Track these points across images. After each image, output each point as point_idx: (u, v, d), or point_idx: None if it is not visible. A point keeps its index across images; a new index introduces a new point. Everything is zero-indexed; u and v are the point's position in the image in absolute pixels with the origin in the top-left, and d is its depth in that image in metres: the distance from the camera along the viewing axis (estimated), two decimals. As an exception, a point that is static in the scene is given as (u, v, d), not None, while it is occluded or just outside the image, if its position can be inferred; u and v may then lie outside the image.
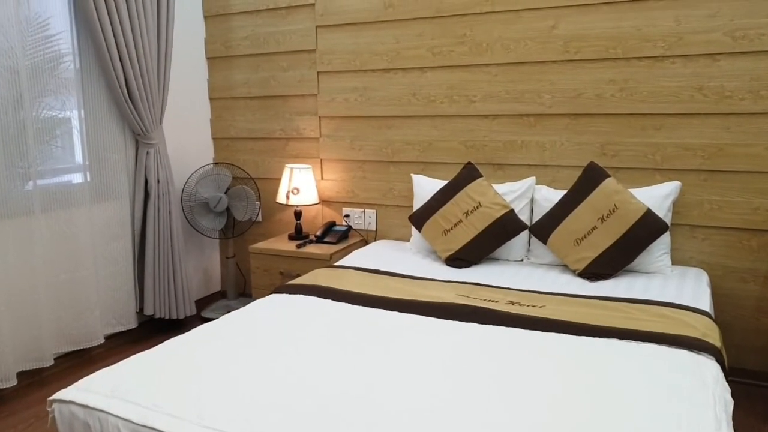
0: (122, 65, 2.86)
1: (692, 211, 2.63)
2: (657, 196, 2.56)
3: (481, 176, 2.78)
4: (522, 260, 2.80)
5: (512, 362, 1.68)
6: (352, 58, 3.21)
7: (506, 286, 2.37)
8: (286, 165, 3.28)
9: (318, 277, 2.50)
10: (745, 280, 2.59)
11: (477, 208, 2.72)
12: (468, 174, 2.81)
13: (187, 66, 3.51)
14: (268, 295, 2.39)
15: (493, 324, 2.00)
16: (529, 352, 1.76)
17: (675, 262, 2.68)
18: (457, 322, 2.03)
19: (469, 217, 2.72)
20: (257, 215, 3.57)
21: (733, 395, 1.62)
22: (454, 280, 2.48)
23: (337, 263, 2.78)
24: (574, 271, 2.54)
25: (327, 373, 1.61)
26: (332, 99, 3.31)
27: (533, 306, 2.13)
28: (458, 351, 1.77)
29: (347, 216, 3.39)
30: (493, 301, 2.20)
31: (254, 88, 3.52)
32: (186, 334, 1.90)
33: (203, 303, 3.69)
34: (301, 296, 2.31)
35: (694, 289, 2.32)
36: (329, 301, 2.25)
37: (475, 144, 3.01)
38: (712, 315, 2.14)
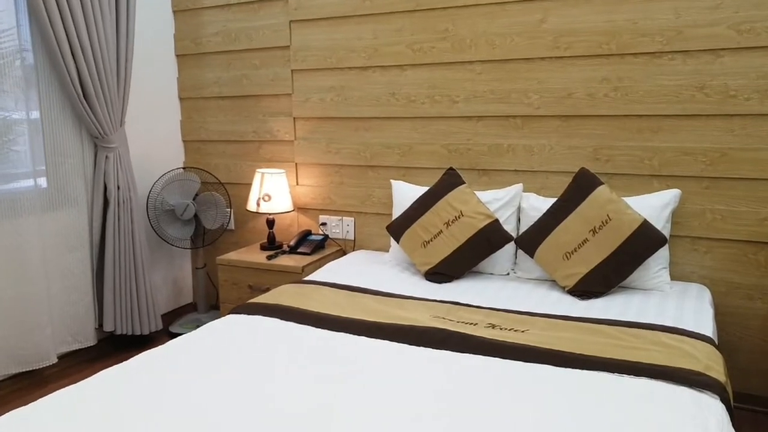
0: (75, 61, 2.64)
1: (693, 222, 2.41)
2: (654, 206, 2.33)
3: (463, 183, 2.56)
4: (508, 274, 2.58)
5: (484, 399, 1.46)
6: (328, 54, 2.99)
7: (487, 306, 2.15)
8: (257, 170, 3.06)
9: (282, 295, 2.28)
10: (751, 298, 2.36)
11: (458, 217, 2.50)
12: (449, 181, 2.58)
13: (155, 64, 3.29)
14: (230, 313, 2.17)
15: (469, 352, 1.77)
16: (504, 387, 1.53)
17: (675, 277, 2.45)
18: (430, 349, 1.81)
19: (450, 228, 2.50)
20: (228, 223, 3.35)
21: (737, 423, 1.39)
22: (431, 297, 2.26)
23: (307, 278, 2.56)
24: (563, 288, 2.32)
25: (273, 412, 1.39)
26: (307, 99, 3.09)
27: (515, 330, 1.91)
28: (426, 385, 1.54)
29: (324, 224, 3.17)
30: (471, 324, 1.98)
31: (225, 87, 3.30)
32: (115, 367, 1.67)
33: (173, 316, 3.47)
34: (261, 317, 2.09)
35: (695, 309, 2.10)
36: (291, 324, 2.03)
37: (458, 148, 2.79)
38: (716, 340, 1.92)
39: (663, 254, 2.32)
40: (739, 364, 2.41)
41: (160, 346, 1.83)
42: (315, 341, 1.87)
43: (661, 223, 2.31)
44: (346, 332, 1.95)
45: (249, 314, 2.12)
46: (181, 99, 3.45)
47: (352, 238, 3.11)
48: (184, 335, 1.93)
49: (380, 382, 1.57)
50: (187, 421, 1.37)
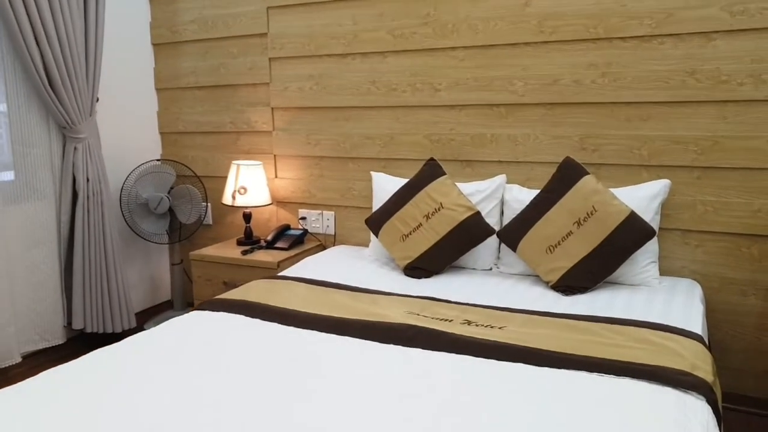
0: (39, 48, 2.53)
1: (684, 214, 2.29)
2: (643, 197, 2.22)
3: (443, 174, 2.44)
4: (491, 269, 2.47)
5: (450, 400, 1.34)
6: (307, 42, 2.87)
7: (465, 302, 2.03)
8: (233, 162, 2.94)
9: (251, 290, 2.17)
10: (744, 294, 2.25)
11: (438, 210, 2.38)
12: (429, 171, 2.47)
13: (131, 53, 3.18)
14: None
15: (440, 350, 1.66)
16: (473, 387, 1.42)
17: (664, 272, 2.34)
18: (398, 347, 1.70)
19: (429, 221, 2.39)
20: (204, 217, 3.23)
21: (729, 425, 1.28)
22: (408, 293, 2.15)
23: (282, 273, 2.45)
24: (547, 283, 2.20)
25: (226, 414, 1.28)
26: (285, 88, 2.98)
27: (492, 327, 1.80)
28: (389, 384, 1.43)
29: (303, 218, 3.05)
30: (446, 320, 1.86)
31: (202, 77, 3.19)
32: (59, 367, 1.56)
33: (150, 314, 3.35)
34: (226, 314, 1.98)
35: (684, 305, 1.98)
36: (257, 321, 1.92)
37: (440, 138, 2.68)
38: (705, 338, 1.81)
39: (652, 248, 2.21)
40: (732, 364, 2.30)
41: (109, 346, 1.72)
42: (278, 339, 1.76)
43: (649, 215, 2.20)
44: (312, 329, 1.84)
45: (213, 311, 2.01)
46: (157, 90, 3.34)
47: (333, 233, 3.00)
48: (139, 333, 1.81)
49: (341, 380, 1.46)
50: (126, 427, 1.26)
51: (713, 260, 2.27)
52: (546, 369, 1.53)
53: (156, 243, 3.16)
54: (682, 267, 2.32)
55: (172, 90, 3.30)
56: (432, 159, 2.48)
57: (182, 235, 3.22)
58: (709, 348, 2.16)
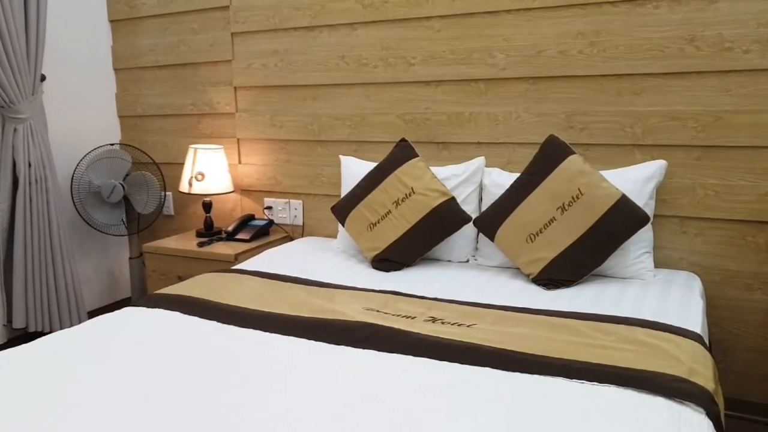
0: (-31, 17, 2.29)
1: (682, 199, 2.05)
2: (636, 179, 1.98)
3: (416, 156, 2.20)
4: (467, 261, 2.23)
5: (400, 411, 1.11)
6: (271, 14, 2.63)
7: (433, 297, 1.79)
8: (190, 146, 2.70)
9: (197, 285, 1.93)
10: (749, 288, 2.01)
11: (409, 195, 2.14)
12: (400, 153, 2.23)
13: (85, 30, 2.94)
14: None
15: (398, 352, 1.43)
16: (428, 395, 1.18)
17: (659, 264, 2.10)
18: (350, 348, 1.46)
19: (399, 208, 2.15)
20: (162, 206, 2.99)
21: None
22: (372, 288, 1.91)
23: (238, 266, 2.21)
24: (527, 276, 1.97)
25: (136, 423, 1.04)
26: (249, 65, 2.74)
27: (460, 325, 1.56)
28: (332, 392, 1.20)
29: (269, 208, 2.81)
30: (409, 317, 1.63)
31: (162, 55, 2.95)
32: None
33: (108, 311, 3.11)
34: (162, 311, 1.75)
35: (682, 301, 1.75)
36: (194, 319, 1.69)
37: (415, 118, 2.44)
38: (706, 338, 1.57)
39: (645, 236, 1.97)
40: (735, 366, 2.06)
41: (26, 344, 1.49)
42: (213, 339, 1.52)
43: (643, 199, 1.96)
44: (254, 328, 1.61)
45: (149, 307, 1.78)
46: (116, 70, 3.10)
47: (301, 224, 2.76)
48: (57, 332, 1.58)
49: (274, 389, 1.23)
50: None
51: (714, 251, 2.03)
52: (517, 375, 1.30)
53: (111, 234, 2.92)
54: (680, 258, 2.08)
55: (131, 70, 3.05)
56: (403, 139, 2.24)
57: (140, 226, 2.98)
58: (710, 349, 1.93)
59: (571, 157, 1.94)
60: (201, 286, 1.92)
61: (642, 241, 1.96)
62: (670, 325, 1.52)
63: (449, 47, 2.32)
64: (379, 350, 1.45)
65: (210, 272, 2.09)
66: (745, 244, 1.99)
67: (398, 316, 1.64)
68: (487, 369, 1.33)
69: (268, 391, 1.22)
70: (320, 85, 2.59)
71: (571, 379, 1.26)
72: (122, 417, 1.12)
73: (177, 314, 1.72)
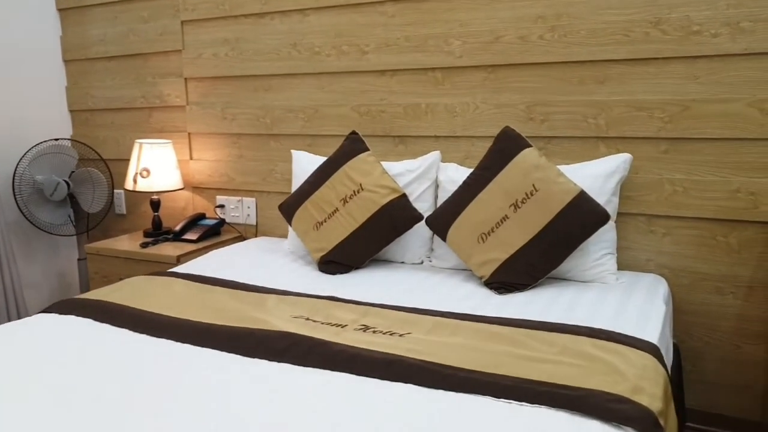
0: None
1: (648, 196, 1.90)
2: (597, 175, 1.83)
3: (366, 150, 2.05)
4: (422, 263, 2.08)
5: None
6: (221, 1, 2.48)
7: (372, 302, 1.64)
8: (136, 140, 2.55)
9: (119, 289, 1.79)
10: (721, 291, 1.86)
11: (357, 192, 1.99)
12: (350, 147, 2.08)
13: (31, 19, 2.79)
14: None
15: (315, 366, 1.28)
16: (340, 418, 1.03)
17: (624, 266, 1.94)
18: (264, 361, 1.31)
19: (347, 206, 2.00)
20: (110, 205, 2.84)
21: None
22: (311, 292, 1.76)
23: (174, 269, 2.06)
24: (480, 279, 1.81)
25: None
26: (199, 55, 2.58)
27: (392, 334, 1.41)
28: (235, 412, 1.05)
29: (221, 206, 2.66)
30: (339, 325, 1.48)
31: (112, 45, 2.79)
32: None
33: (58, 315, 2.96)
34: (74, 318, 1.60)
35: (642, 307, 1.59)
36: (105, 327, 1.54)
37: (369, 110, 2.28)
38: (664, 348, 1.42)
39: (608, 237, 1.82)
40: (705, 376, 1.90)
41: None
42: (119, 349, 1.38)
43: (605, 196, 1.81)
44: (168, 338, 1.46)
45: (62, 313, 1.64)
46: (65, 61, 2.95)
47: (254, 223, 2.61)
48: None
49: (166, 407, 1.08)
50: None
51: (683, 251, 1.88)
52: (440, 392, 1.15)
53: (58, 235, 2.76)
54: (647, 260, 1.93)
55: (81, 61, 2.90)
56: (354, 132, 2.09)
57: (89, 225, 2.83)
58: (680, 359, 1.78)
59: (526, 151, 1.78)
60: (125, 290, 1.77)
61: (604, 241, 1.81)
62: (622, 335, 1.37)
63: (404, 34, 2.17)
64: (295, 364, 1.30)
65: (134, 277, 1.94)
66: (716, 244, 1.84)
67: (327, 324, 1.49)
68: (408, 386, 1.18)
69: (154, 409, 1.07)
70: (272, 75, 2.44)
71: (498, 398, 1.11)
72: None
73: (88, 322, 1.57)
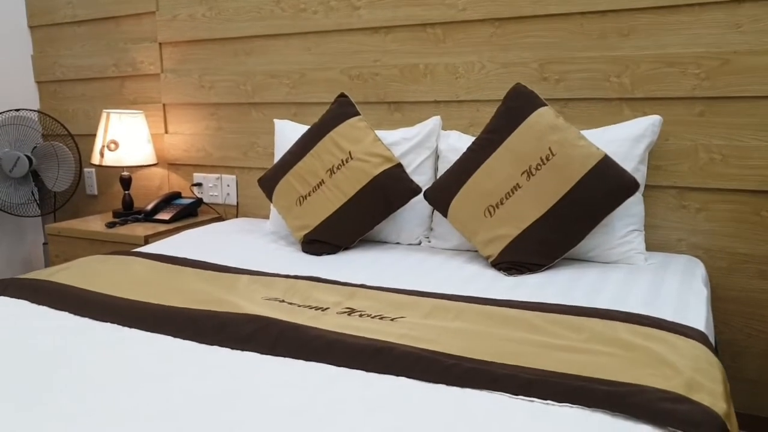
0: None
1: (680, 165, 1.65)
2: (623, 139, 1.58)
3: (356, 114, 1.80)
4: (420, 243, 1.83)
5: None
6: (197, -45, 2.24)
7: (360, 283, 1.39)
8: (103, 110, 2.30)
9: (70, 269, 1.54)
10: (765, 276, 1.61)
11: (346, 162, 1.74)
12: (338, 111, 1.83)
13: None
14: None
15: (282, 354, 1.03)
16: (316, 417, 0.79)
17: (652, 247, 1.70)
18: (224, 349, 1.07)
19: (334, 177, 1.75)
20: (77, 183, 2.58)
21: None
22: (289, 273, 1.51)
23: (138, 249, 1.81)
24: (487, 259, 1.57)
25: None
26: (174, 17, 2.33)
27: (383, 317, 1.17)
28: (189, 411, 0.80)
29: (198, 185, 2.41)
30: (319, 308, 1.23)
31: (80, 8, 2.54)
32: None
33: (23, 305, 2.71)
34: (7, 299, 1.36)
35: (680, 289, 1.35)
36: (43, 309, 1.30)
37: (361, 73, 2.04)
38: (711, 337, 1.17)
39: (635, 211, 1.57)
40: (747, 374, 1.65)
41: None
42: (51, 334, 1.15)
43: (632, 163, 1.56)
44: (114, 322, 1.22)
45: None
46: (31, 28, 2.70)
47: (235, 203, 2.36)
48: None
49: (91, 401, 0.83)
50: None
51: (721, 229, 1.63)
52: (440, 387, 0.90)
53: (19, 216, 2.51)
54: (679, 240, 1.68)
55: (48, 27, 2.65)
56: (343, 95, 1.84)
57: (56, 205, 2.58)
58: (717, 352, 1.53)
59: (541, 110, 1.53)
60: (73, 270, 1.52)
61: (631, 215, 1.56)
62: (664, 320, 1.12)
63: (401, -14, 1.92)
64: (261, 352, 1.05)
65: (90, 256, 1.69)
66: (759, 220, 1.59)
67: (305, 307, 1.24)
68: (400, 379, 0.93)
69: (69, 408, 0.82)
70: (254, 36, 2.20)
71: (516, 395, 0.86)
72: None
73: (21, 303, 1.33)
